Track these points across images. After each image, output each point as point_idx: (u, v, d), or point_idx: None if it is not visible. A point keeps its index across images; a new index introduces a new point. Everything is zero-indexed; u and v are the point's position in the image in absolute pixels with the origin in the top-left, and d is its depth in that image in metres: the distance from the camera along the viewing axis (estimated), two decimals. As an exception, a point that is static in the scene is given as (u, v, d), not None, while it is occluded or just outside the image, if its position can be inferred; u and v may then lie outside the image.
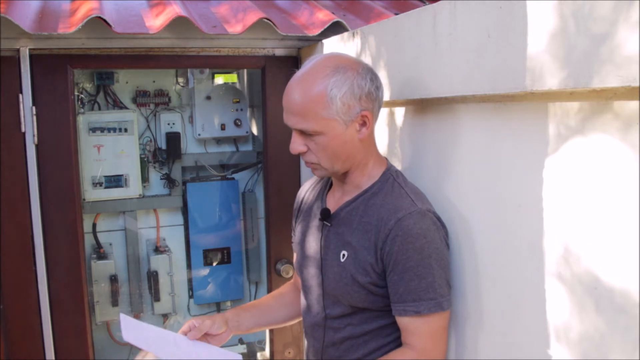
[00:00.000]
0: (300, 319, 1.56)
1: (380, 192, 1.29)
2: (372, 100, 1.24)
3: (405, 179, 1.33)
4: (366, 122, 1.25)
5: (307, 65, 1.25)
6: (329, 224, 1.35)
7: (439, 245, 1.21)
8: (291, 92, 1.24)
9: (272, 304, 1.62)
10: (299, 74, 1.25)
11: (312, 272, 1.41)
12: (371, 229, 1.25)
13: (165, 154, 2.76)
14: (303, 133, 1.25)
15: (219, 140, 2.89)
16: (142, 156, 2.73)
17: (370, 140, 1.31)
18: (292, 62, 2.14)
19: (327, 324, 1.37)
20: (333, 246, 1.33)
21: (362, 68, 1.24)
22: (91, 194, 2.60)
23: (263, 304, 1.62)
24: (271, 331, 2.32)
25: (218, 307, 2.97)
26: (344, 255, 1.29)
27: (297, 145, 1.27)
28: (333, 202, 1.39)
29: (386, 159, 1.38)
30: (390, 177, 1.31)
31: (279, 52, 2.12)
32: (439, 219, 1.26)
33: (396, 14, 1.87)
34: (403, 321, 1.24)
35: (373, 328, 1.30)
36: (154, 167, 2.80)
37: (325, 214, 1.35)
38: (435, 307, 1.20)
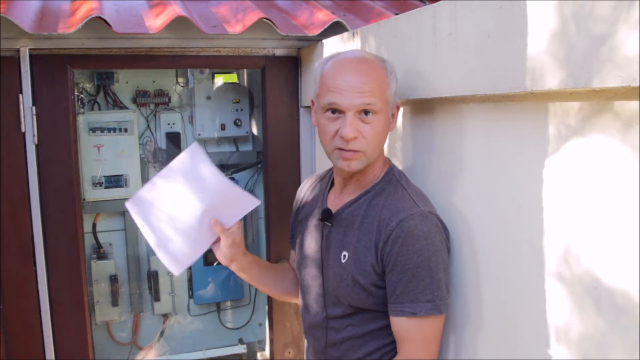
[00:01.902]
0: (293, 300, 1.60)
1: (382, 193, 1.29)
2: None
3: (408, 180, 1.33)
4: (395, 114, 1.29)
5: (349, 53, 1.29)
6: (330, 224, 1.35)
7: (439, 248, 1.21)
8: (353, 70, 1.23)
9: (278, 272, 1.64)
10: (349, 56, 1.27)
11: (312, 272, 1.40)
12: (372, 230, 1.25)
13: (165, 154, 2.76)
14: (364, 113, 1.22)
15: (219, 140, 2.89)
16: (142, 156, 2.73)
17: (385, 138, 1.32)
18: (292, 62, 2.14)
19: (328, 324, 1.37)
20: (334, 247, 1.33)
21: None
22: (91, 194, 2.60)
23: (269, 266, 1.65)
24: (271, 331, 2.32)
25: (218, 307, 2.97)
26: (344, 255, 1.29)
27: (354, 128, 1.21)
28: (334, 203, 1.38)
29: (389, 159, 1.38)
30: (393, 177, 1.31)
31: (279, 52, 2.12)
32: (440, 221, 1.25)
33: (396, 14, 1.87)
34: (398, 322, 1.23)
35: (374, 328, 1.30)
36: (154, 167, 2.80)
37: (327, 214, 1.35)
38: (432, 310, 1.19)
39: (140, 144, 2.71)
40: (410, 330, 1.21)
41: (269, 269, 1.63)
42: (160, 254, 1.33)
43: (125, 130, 2.61)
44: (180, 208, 1.31)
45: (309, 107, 2.15)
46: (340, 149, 1.24)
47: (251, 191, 2.92)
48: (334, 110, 1.24)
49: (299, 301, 1.53)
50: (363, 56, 1.27)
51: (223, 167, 2.91)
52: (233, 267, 1.44)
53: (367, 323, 1.30)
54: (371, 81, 1.22)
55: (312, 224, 1.43)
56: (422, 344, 1.22)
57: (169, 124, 2.76)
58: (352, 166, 1.26)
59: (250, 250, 2.89)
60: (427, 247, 1.19)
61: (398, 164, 1.50)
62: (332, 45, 1.84)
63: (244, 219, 2.88)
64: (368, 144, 1.24)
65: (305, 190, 1.55)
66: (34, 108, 1.87)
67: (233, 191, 1.34)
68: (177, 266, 1.34)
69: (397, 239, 1.19)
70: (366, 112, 1.22)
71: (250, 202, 1.36)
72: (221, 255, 1.39)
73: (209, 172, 1.30)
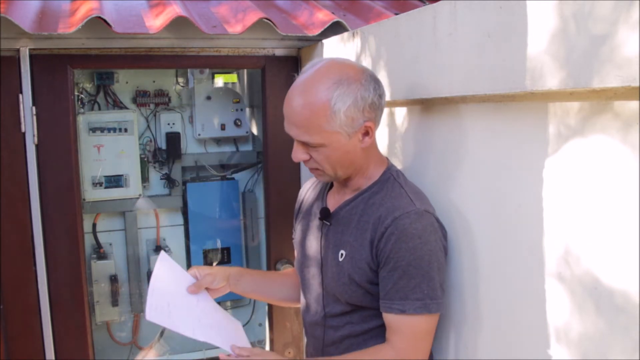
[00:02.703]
0: (293, 306, 1.60)
1: (380, 192, 1.29)
2: (375, 109, 1.23)
3: (405, 178, 1.33)
4: (369, 132, 1.24)
5: (308, 72, 1.22)
6: (329, 223, 1.35)
7: (433, 247, 1.21)
8: (293, 102, 1.21)
9: (275, 279, 1.63)
10: (300, 81, 1.22)
11: (312, 271, 1.41)
12: (368, 227, 1.25)
13: (165, 154, 2.76)
14: (305, 143, 1.24)
15: (219, 140, 2.89)
16: (142, 156, 2.73)
17: (372, 146, 1.30)
18: (292, 62, 2.14)
19: (327, 322, 1.37)
20: (332, 245, 1.33)
21: (365, 78, 1.21)
22: (91, 194, 2.60)
23: (267, 276, 1.64)
24: (271, 331, 2.32)
25: (218, 307, 2.97)
26: (342, 254, 1.30)
27: (299, 154, 1.26)
28: (333, 202, 1.39)
29: (387, 158, 1.38)
30: (391, 176, 1.31)
31: (279, 52, 2.12)
32: (437, 219, 1.25)
33: (396, 14, 1.87)
34: (388, 318, 1.23)
35: (372, 327, 1.30)
36: (154, 167, 2.80)
37: (325, 214, 1.35)
38: (421, 309, 1.19)
39: (140, 144, 2.71)
40: (399, 327, 1.21)
41: (263, 281, 1.62)
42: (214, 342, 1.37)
43: (125, 130, 2.61)
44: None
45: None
46: None
47: (251, 191, 2.92)
48: None
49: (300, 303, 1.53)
50: (307, 85, 1.20)
51: (223, 167, 2.92)
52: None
53: (366, 321, 1.31)
54: (304, 120, 1.19)
55: (312, 223, 1.43)
56: (410, 341, 1.21)
57: (169, 124, 2.76)
58: (321, 179, 1.34)
59: (251, 250, 2.91)
60: (421, 246, 1.19)
61: (398, 163, 1.50)
62: (332, 45, 1.84)
63: (244, 219, 2.89)
64: (323, 165, 1.26)
65: (306, 191, 1.55)
66: (34, 108, 1.87)
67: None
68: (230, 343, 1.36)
69: (390, 236, 1.19)
70: (307, 144, 1.23)
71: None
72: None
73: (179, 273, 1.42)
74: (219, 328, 1.38)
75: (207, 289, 1.45)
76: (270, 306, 2.30)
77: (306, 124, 1.20)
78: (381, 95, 1.25)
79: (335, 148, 1.22)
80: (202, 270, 1.45)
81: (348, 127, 1.20)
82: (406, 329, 1.21)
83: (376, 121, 1.26)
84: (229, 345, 1.31)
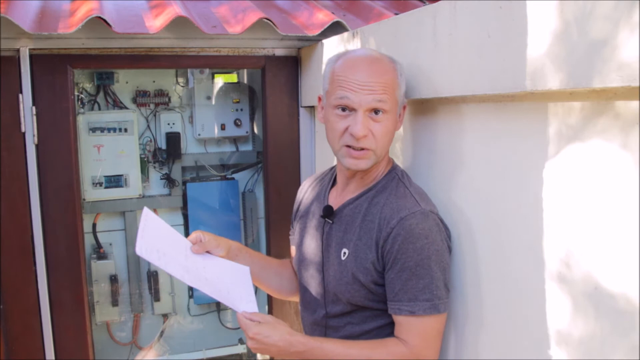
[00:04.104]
0: (283, 297, 1.60)
1: (384, 191, 1.29)
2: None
3: (410, 179, 1.33)
4: (402, 114, 1.30)
5: (361, 52, 1.32)
6: (331, 222, 1.35)
7: (439, 247, 1.21)
8: (365, 69, 1.23)
9: (272, 266, 1.60)
10: (361, 54, 1.29)
11: (312, 270, 1.41)
12: (373, 227, 1.25)
13: (165, 154, 2.76)
14: (374, 112, 1.23)
15: (219, 140, 2.89)
16: (142, 156, 2.73)
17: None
18: (292, 62, 2.14)
19: (328, 323, 1.37)
20: (334, 244, 1.33)
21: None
22: (91, 194, 2.60)
23: (264, 260, 1.61)
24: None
25: (218, 307, 2.97)
26: (344, 253, 1.29)
27: (364, 127, 1.22)
28: (335, 200, 1.39)
29: (392, 158, 1.38)
30: (396, 176, 1.31)
31: (279, 52, 2.12)
32: (441, 220, 1.25)
33: (396, 14, 1.87)
34: (398, 319, 1.24)
35: (372, 327, 1.30)
36: (154, 167, 2.80)
37: (328, 211, 1.35)
38: (431, 309, 1.19)
39: (140, 144, 2.71)
40: (409, 327, 1.21)
41: (260, 264, 1.58)
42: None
43: (125, 130, 2.61)
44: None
45: (309, 107, 2.16)
46: (348, 146, 1.25)
47: (251, 191, 2.92)
48: (344, 108, 1.24)
49: (297, 299, 1.53)
50: (375, 55, 1.28)
51: (223, 167, 2.92)
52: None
53: (366, 322, 1.30)
54: (383, 81, 1.22)
55: (313, 222, 1.43)
56: (422, 342, 1.22)
57: (169, 124, 2.76)
58: (360, 165, 1.26)
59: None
60: (427, 246, 1.19)
61: (399, 163, 1.50)
62: (332, 45, 1.84)
63: (244, 219, 2.89)
64: (377, 142, 1.24)
65: (305, 190, 1.55)
66: (34, 108, 1.87)
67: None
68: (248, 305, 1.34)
69: (397, 236, 1.19)
70: (376, 111, 1.23)
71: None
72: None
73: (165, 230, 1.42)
74: (220, 285, 1.35)
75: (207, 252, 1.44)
76: (270, 306, 2.30)
77: (383, 87, 1.23)
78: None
79: (393, 121, 1.27)
80: (206, 235, 1.43)
81: (401, 101, 1.28)
82: (417, 330, 1.21)
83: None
84: (231, 302, 1.30)
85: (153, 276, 2.78)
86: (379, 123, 1.23)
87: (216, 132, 2.80)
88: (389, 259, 1.21)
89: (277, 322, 1.26)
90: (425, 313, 1.19)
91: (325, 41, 1.90)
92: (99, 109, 2.68)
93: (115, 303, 2.70)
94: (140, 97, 2.73)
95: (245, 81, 2.95)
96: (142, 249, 1.27)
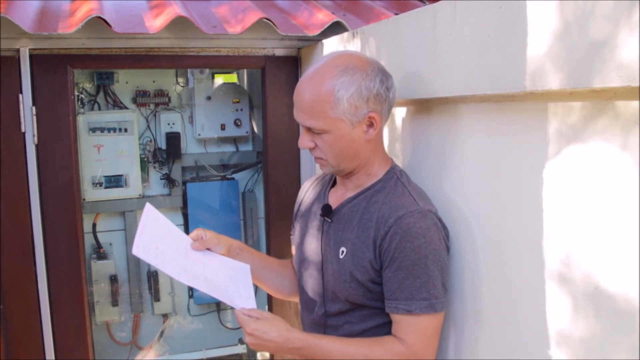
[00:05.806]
0: (283, 297, 1.60)
1: (382, 190, 1.29)
2: (381, 101, 1.25)
3: (409, 178, 1.33)
4: (373, 123, 1.26)
5: (318, 63, 1.28)
6: (330, 220, 1.35)
7: (437, 247, 1.21)
8: (301, 89, 1.27)
9: (273, 266, 1.60)
10: (310, 71, 1.28)
11: (312, 269, 1.41)
12: (371, 226, 1.25)
13: (165, 154, 2.76)
14: (311, 130, 1.27)
15: (219, 140, 2.89)
16: (142, 156, 2.73)
17: (377, 141, 1.32)
18: (292, 62, 2.14)
19: (327, 322, 1.37)
20: (333, 242, 1.33)
21: (372, 69, 1.25)
22: (91, 194, 2.60)
23: (265, 260, 1.61)
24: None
25: (218, 307, 2.97)
26: (342, 251, 1.30)
27: (305, 141, 1.30)
28: (335, 199, 1.39)
29: (391, 158, 1.38)
30: (394, 176, 1.32)
31: (279, 52, 2.12)
32: (440, 220, 1.26)
33: (396, 14, 1.87)
34: (395, 317, 1.24)
35: (371, 326, 1.30)
36: (154, 167, 2.80)
37: (327, 210, 1.35)
38: (428, 308, 1.19)
39: (140, 144, 2.71)
40: (406, 326, 1.22)
41: (262, 264, 1.57)
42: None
43: (125, 130, 2.61)
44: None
45: (309, 107, 2.16)
46: None
47: (251, 191, 2.92)
48: None
49: (298, 299, 1.53)
50: (312, 75, 1.26)
51: (223, 167, 2.92)
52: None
53: (365, 320, 1.31)
54: (309, 105, 1.24)
55: (312, 222, 1.43)
56: (419, 341, 1.22)
57: (169, 124, 2.76)
58: (325, 170, 1.36)
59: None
60: (425, 245, 1.19)
61: (398, 163, 1.50)
62: (332, 45, 1.84)
63: (244, 219, 2.89)
64: (326, 154, 1.28)
65: (306, 190, 1.55)
66: (34, 108, 1.87)
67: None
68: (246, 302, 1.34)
69: (394, 235, 1.20)
70: (312, 129, 1.27)
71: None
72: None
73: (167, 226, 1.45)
74: (219, 282, 1.35)
75: (208, 249, 1.45)
76: (270, 306, 2.30)
77: (311, 110, 1.24)
78: (389, 88, 1.27)
79: (338, 136, 1.25)
80: (207, 232, 1.46)
81: (351, 115, 1.23)
82: (414, 328, 1.21)
83: (382, 114, 1.27)
84: (230, 299, 1.30)
85: (153, 276, 2.78)
86: (321, 138, 1.27)
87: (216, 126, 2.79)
88: (387, 257, 1.21)
89: (275, 318, 1.27)
90: (422, 312, 1.19)
91: (325, 41, 1.90)
92: (99, 109, 2.68)
93: (115, 303, 2.69)
94: (140, 97, 2.73)
95: (245, 81, 2.95)
96: (140, 246, 1.27)
